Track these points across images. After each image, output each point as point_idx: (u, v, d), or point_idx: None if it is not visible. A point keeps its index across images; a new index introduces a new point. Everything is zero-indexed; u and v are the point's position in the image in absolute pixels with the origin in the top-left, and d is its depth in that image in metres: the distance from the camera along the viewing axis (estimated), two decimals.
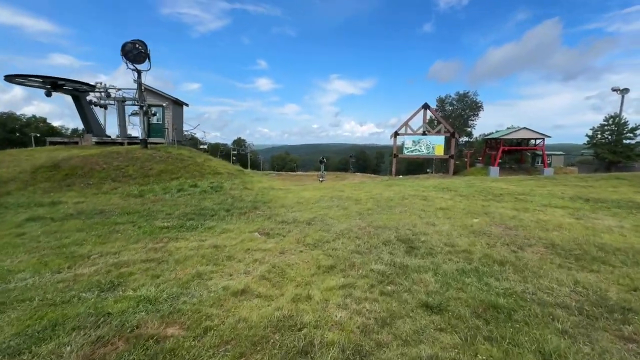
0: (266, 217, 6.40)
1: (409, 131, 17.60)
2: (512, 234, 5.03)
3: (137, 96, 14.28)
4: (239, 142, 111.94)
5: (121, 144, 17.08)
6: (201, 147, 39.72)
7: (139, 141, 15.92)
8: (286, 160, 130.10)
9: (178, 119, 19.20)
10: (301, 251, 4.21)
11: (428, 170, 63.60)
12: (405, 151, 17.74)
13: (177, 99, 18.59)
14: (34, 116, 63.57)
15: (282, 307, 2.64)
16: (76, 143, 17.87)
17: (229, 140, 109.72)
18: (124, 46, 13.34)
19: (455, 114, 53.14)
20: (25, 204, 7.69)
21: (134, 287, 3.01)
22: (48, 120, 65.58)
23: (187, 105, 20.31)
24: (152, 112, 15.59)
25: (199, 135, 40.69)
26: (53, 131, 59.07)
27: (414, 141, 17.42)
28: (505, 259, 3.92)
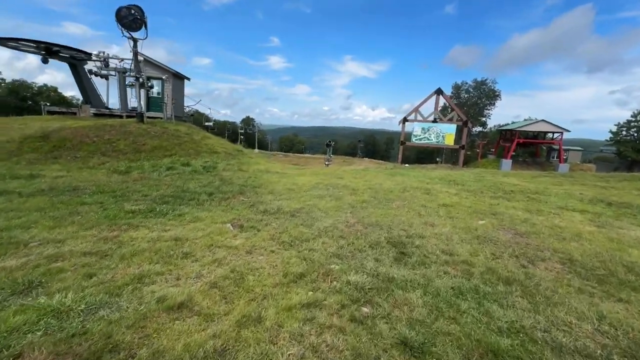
0: (248, 204, 5.82)
1: (419, 118, 16.53)
2: (523, 242, 4.34)
3: (132, 66, 13.58)
4: (247, 121, 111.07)
5: (120, 116, 16.58)
6: (207, 124, 39.18)
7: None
8: (294, 142, 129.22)
9: (178, 93, 18.49)
10: (272, 251, 3.64)
11: (437, 160, 62.00)
12: (413, 139, 16.77)
13: (177, 72, 17.80)
14: (45, 85, 63.48)
15: (221, 333, 2.08)
16: (74, 114, 17.45)
17: (238, 119, 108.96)
18: (118, 11, 12.51)
19: (470, 102, 50.89)
20: (1, 176, 7.29)
21: (53, 290, 2.49)
22: (60, 90, 65.44)
23: (188, 79, 19.51)
24: (150, 84, 14.91)
25: (206, 112, 39.91)
26: (64, 101, 59.02)
27: (423, 128, 16.38)
28: (513, 276, 3.27)
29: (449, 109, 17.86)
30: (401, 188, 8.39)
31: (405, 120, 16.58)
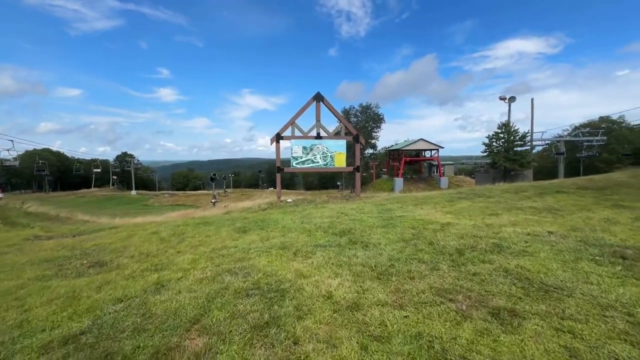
0: None
1: (298, 133, 11.95)
2: None
3: None
4: (123, 158, 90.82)
5: None
6: (7, 164, 26.60)
7: None
8: (189, 178, 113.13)
9: None
10: None
11: (338, 184, 61.34)
12: (294, 162, 11.94)
13: None
14: None
15: None
16: None
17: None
18: None
19: (359, 125, 52.32)
20: None
21: None
22: None
23: None
24: None
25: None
26: None
27: (304, 148, 11.85)
28: None
29: (337, 124, 13.99)
30: (200, 308, 2.81)
31: (279, 137, 11.68)
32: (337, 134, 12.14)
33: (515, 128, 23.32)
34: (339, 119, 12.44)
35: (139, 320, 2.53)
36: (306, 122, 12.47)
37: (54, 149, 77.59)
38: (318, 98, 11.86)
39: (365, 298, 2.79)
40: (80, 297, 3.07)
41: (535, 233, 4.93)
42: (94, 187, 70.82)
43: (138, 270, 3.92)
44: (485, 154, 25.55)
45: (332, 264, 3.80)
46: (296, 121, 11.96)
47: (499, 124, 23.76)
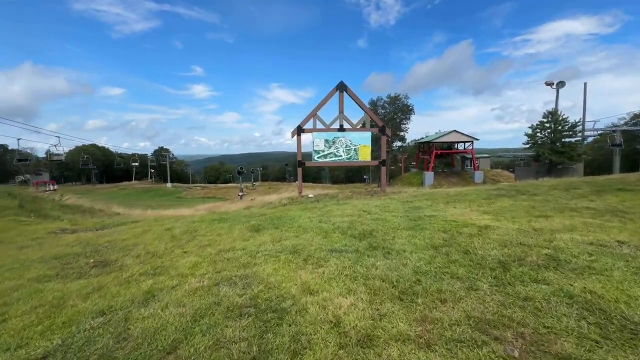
0: None
1: (320, 125, 11.38)
2: None
3: None
4: (159, 152, 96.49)
5: None
6: (55, 159, 28.83)
7: None
8: (220, 171, 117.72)
9: None
10: None
11: (365, 177, 60.04)
12: (315, 156, 11.42)
13: None
14: None
15: None
16: None
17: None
18: None
19: (387, 117, 50.51)
20: None
21: None
22: None
23: None
24: None
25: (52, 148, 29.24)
26: None
27: (327, 141, 11.27)
28: None
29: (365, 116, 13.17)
30: None
31: (300, 130, 11.20)
32: (361, 126, 11.40)
33: (564, 117, 20.85)
34: (363, 110, 11.67)
35: (111, 343, 2.17)
36: (329, 113, 11.89)
37: (100, 144, 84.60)
38: (341, 88, 11.17)
39: (382, 328, 2.21)
40: (64, 305, 2.81)
41: (600, 242, 4.01)
42: (134, 179, 76.03)
43: (137, 273, 3.64)
44: (528, 145, 23.23)
45: (345, 275, 3.25)
46: (318, 113, 11.41)
47: (544, 113, 21.40)
